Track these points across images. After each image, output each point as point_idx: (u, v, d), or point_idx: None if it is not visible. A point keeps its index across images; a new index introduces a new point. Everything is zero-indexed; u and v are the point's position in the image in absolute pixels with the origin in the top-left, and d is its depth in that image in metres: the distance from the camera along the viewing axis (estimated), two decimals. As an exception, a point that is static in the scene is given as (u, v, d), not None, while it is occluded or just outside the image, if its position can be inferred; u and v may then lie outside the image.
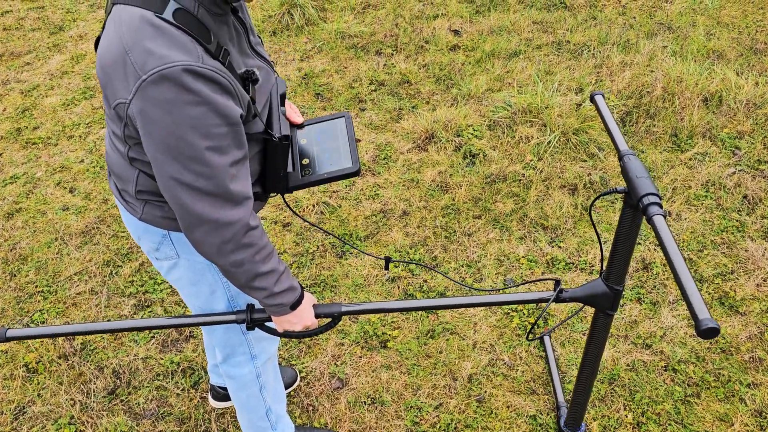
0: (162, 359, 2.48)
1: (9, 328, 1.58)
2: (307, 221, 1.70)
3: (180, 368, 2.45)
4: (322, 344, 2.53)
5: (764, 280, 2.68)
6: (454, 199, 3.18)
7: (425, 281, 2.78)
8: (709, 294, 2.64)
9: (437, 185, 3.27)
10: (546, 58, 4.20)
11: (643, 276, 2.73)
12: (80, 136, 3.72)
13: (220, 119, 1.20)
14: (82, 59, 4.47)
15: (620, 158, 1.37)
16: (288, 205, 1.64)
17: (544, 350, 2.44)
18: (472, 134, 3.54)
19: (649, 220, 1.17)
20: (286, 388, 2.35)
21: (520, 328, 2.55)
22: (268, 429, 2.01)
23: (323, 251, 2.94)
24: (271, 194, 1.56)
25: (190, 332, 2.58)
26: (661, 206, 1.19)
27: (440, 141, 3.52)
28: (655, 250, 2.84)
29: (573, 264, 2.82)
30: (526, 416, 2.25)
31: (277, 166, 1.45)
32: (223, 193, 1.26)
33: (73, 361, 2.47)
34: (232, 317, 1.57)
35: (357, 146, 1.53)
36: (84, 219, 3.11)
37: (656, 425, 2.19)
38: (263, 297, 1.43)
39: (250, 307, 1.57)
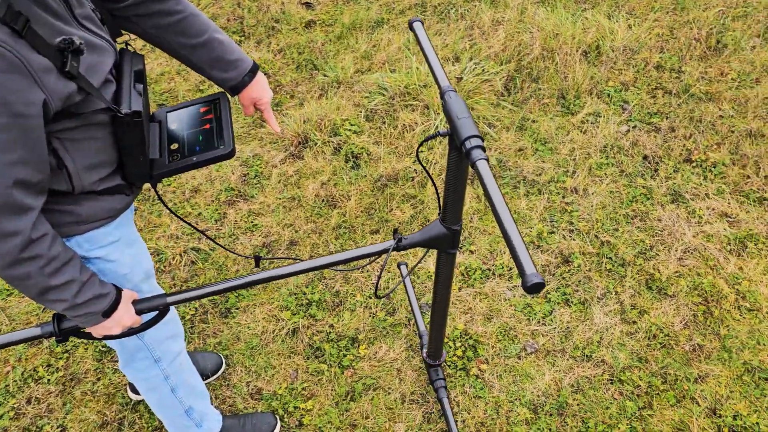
0: None
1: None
2: (184, 220, 1.56)
3: None
4: (224, 440, 2.07)
5: (685, 252, 2.54)
6: (345, 215, 2.77)
7: (332, 326, 2.38)
8: (635, 279, 2.46)
9: (323, 200, 2.83)
10: (412, 25, 3.79)
11: (564, 271, 2.50)
12: None
13: None
14: None
15: (441, 96, 1.30)
16: (159, 197, 1.49)
17: (406, 291, 2.41)
18: (350, 130, 3.11)
19: (473, 165, 1.12)
20: (212, 375, 2.20)
21: (449, 366, 2.23)
22: (192, 427, 1.88)
23: (203, 313, 2.43)
24: (137, 183, 1.39)
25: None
26: (483, 149, 1.15)
27: (316, 144, 3.05)
28: (572, 239, 2.61)
29: (490, 270, 2.53)
30: (479, 479, 1.96)
31: (132, 148, 1.29)
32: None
33: None
34: (38, 331, 1.37)
35: (233, 128, 1.35)
36: None
37: (617, 455, 1.99)
38: (64, 309, 1.27)
39: (58, 318, 1.37)
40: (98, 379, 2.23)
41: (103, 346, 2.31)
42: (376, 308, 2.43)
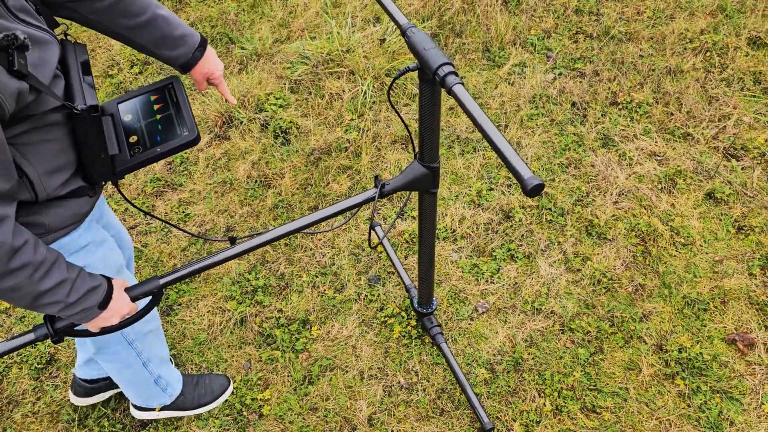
0: None
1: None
2: (143, 210, 1.53)
3: None
4: (182, 442, 2.01)
5: (619, 195, 2.59)
6: (280, 193, 2.68)
7: (280, 311, 2.32)
8: (575, 227, 2.50)
9: (255, 181, 2.72)
10: (328, -13, 3.65)
11: (507, 228, 2.51)
12: None
13: None
14: None
15: (403, 33, 1.29)
16: (122, 194, 1.40)
17: (383, 246, 2.40)
18: (275, 104, 2.99)
19: (449, 91, 1.12)
20: None
21: (404, 336, 2.22)
22: (159, 393, 1.93)
23: (144, 314, 2.32)
24: (100, 183, 1.33)
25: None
26: (456, 74, 1.14)
27: (241, 122, 2.92)
28: (511, 194, 2.61)
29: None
30: (445, 445, 1.97)
31: (93, 146, 1.23)
32: None
33: None
34: (32, 336, 1.33)
35: (192, 111, 1.37)
36: None
37: (574, 402, 2.04)
38: (59, 311, 1.24)
39: (49, 318, 1.34)
40: (38, 399, 2.10)
41: (38, 363, 2.17)
42: (324, 287, 2.38)
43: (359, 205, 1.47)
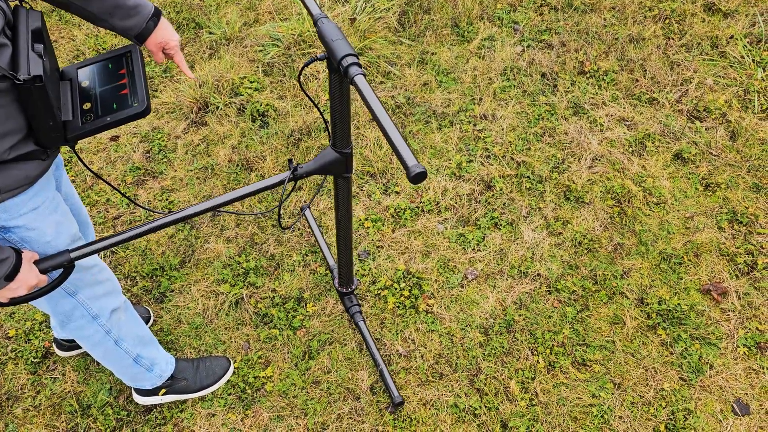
0: None
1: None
2: (97, 175, 1.48)
3: None
4: (190, 426, 2.03)
5: (593, 160, 2.69)
6: (263, 176, 2.69)
7: (274, 290, 2.35)
8: (553, 193, 2.59)
9: (237, 165, 2.73)
10: (292, -32, 3.64)
11: (489, 197, 2.58)
12: None
13: None
14: None
15: (315, 23, 1.33)
16: (80, 159, 1.43)
17: (309, 226, 2.48)
18: (250, 88, 2.99)
19: (352, 82, 1.17)
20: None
21: (398, 307, 2.28)
22: (143, 373, 1.92)
23: (136, 303, 2.32)
24: (52, 147, 1.33)
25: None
26: (359, 65, 1.19)
27: (218, 107, 2.91)
28: (490, 164, 2.69)
29: (418, 208, 2.57)
30: (447, 406, 2.05)
31: (39, 114, 1.24)
32: None
33: None
34: None
35: (147, 82, 1.34)
36: None
37: (566, 357, 2.14)
38: None
39: None
40: (38, 393, 2.09)
41: (34, 357, 2.16)
42: (315, 265, 2.42)
43: (272, 186, 1.51)
